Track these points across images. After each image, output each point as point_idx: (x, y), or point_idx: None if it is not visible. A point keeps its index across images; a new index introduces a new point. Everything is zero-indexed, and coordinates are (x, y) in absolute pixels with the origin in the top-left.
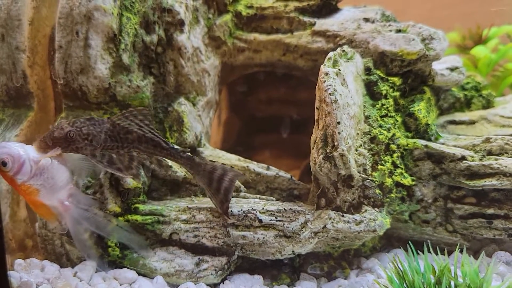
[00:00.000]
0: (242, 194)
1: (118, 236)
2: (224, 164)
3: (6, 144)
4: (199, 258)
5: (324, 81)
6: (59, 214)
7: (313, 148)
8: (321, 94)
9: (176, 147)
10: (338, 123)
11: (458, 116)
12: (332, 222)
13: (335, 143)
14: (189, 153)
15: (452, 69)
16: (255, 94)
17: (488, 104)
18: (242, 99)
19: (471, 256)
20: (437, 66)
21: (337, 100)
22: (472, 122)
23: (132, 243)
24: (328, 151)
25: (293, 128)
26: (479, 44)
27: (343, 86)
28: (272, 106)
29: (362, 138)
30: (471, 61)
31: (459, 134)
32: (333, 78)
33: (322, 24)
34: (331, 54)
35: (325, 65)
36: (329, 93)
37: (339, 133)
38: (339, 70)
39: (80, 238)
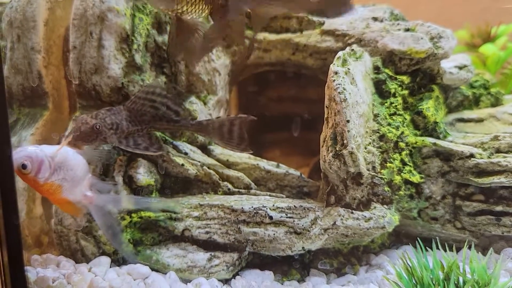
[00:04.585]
0: (252, 191)
1: (154, 209)
2: (235, 162)
3: (22, 148)
4: (211, 254)
5: (334, 80)
6: (84, 207)
7: (322, 146)
8: (330, 93)
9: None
10: (348, 121)
11: (467, 114)
12: (342, 219)
13: (345, 141)
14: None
15: (460, 68)
16: (265, 93)
17: (496, 102)
18: (252, 98)
19: (479, 252)
20: (445, 64)
21: (346, 99)
22: (480, 120)
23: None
24: (337, 149)
25: (302, 126)
26: (487, 42)
27: (352, 85)
28: (282, 104)
29: (371, 136)
30: (480, 59)
31: (468, 131)
32: (343, 77)
33: (331, 23)
34: (340, 53)
35: (334, 64)
36: (339, 92)
37: (348, 131)
38: (348, 69)
39: (108, 228)
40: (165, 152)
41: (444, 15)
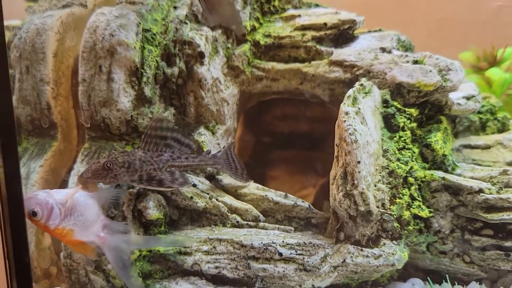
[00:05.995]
0: (261, 224)
1: (164, 246)
2: (243, 193)
3: (32, 194)
4: None
5: (345, 121)
6: (97, 248)
7: (332, 184)
8: (341, 133)
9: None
10: (358, 162)
11: (474, 140)
12: (352, 257)
13: (355, 182)
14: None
15: (468, 98)
16: (269, 110)
17: (503, 128)
18: (256, 115)
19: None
20: (453, 94)
21: (357, 140)
22: (487, 147)
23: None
24: (348, 189)
25: (307, 145)
26: (493, 65)
27: (362, 124)
28: (286, 122)
29: (380, 173)
30: (486, 81)
31: (475, 159)
32: (353, 118)
33: (339, 54)
34: (350, 91)
35: (345, 104)
36: (349, 133)
37: (359, 172)
38: (359, 109)
39: (121, 268)
40: (189, 186)
41: (444, 28)
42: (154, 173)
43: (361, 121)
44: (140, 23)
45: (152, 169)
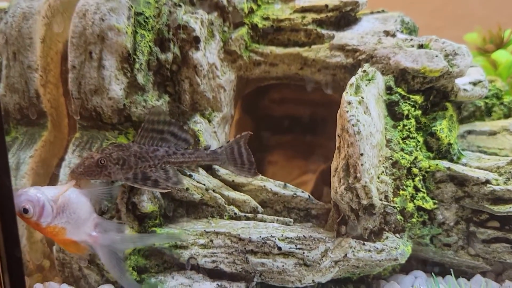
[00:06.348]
0: (259, 216)
1: (160, 241)
2: (241, 183)
3: (23, 191)
4: (217, 284)
5: (347, 111)
6: (89, 247)
7: (333, 176)
8: (343, 123)
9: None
10: (361, 154)
11: (479, 125)
12: (353, 251)
13: (358, 175)
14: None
15: (475, 84)
16: (267, 94)
17: (509, 113)
18: (254, 99)
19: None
20: (459, 80)
21: (360, 131)
22: (493, 133)
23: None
24: (350, 181)
25: (306, 129)
26: (500, 47)
27: (366, 114)
28: (284, 106)
29: (383, 164)
30: (492, 64)
31: (480, 145)
32: (356, 108)
33: (341, 37)
34: (353, 79)
35: (347, 92)
36: (352, 124)
37: (362, 164)
38: (362, 98)
39: (114, 266)
40: (182, 186)
41: (449, 6)
42: (150, 172)
43: (364, 111)
44: (131, 6)
45: (147, 166)
